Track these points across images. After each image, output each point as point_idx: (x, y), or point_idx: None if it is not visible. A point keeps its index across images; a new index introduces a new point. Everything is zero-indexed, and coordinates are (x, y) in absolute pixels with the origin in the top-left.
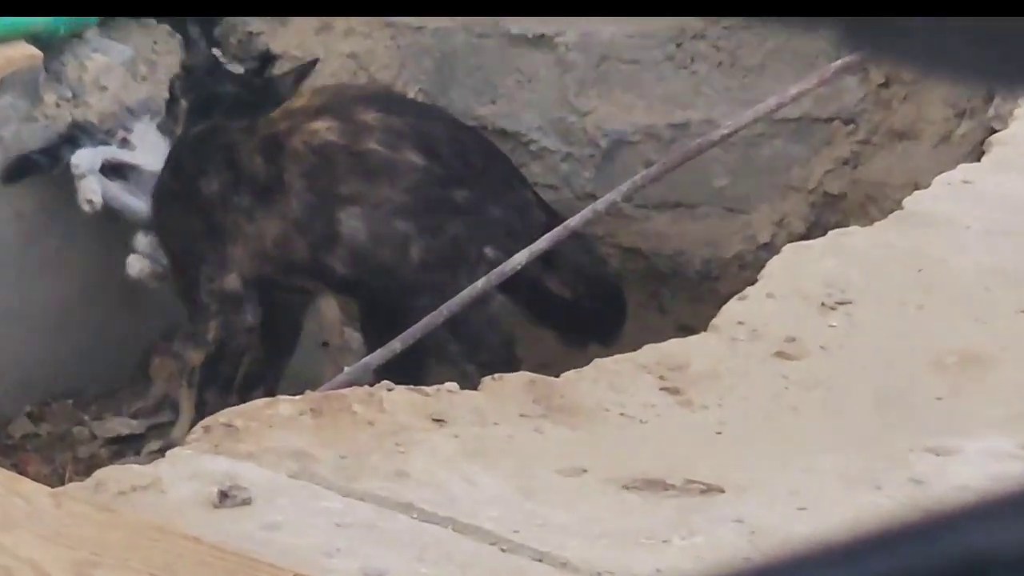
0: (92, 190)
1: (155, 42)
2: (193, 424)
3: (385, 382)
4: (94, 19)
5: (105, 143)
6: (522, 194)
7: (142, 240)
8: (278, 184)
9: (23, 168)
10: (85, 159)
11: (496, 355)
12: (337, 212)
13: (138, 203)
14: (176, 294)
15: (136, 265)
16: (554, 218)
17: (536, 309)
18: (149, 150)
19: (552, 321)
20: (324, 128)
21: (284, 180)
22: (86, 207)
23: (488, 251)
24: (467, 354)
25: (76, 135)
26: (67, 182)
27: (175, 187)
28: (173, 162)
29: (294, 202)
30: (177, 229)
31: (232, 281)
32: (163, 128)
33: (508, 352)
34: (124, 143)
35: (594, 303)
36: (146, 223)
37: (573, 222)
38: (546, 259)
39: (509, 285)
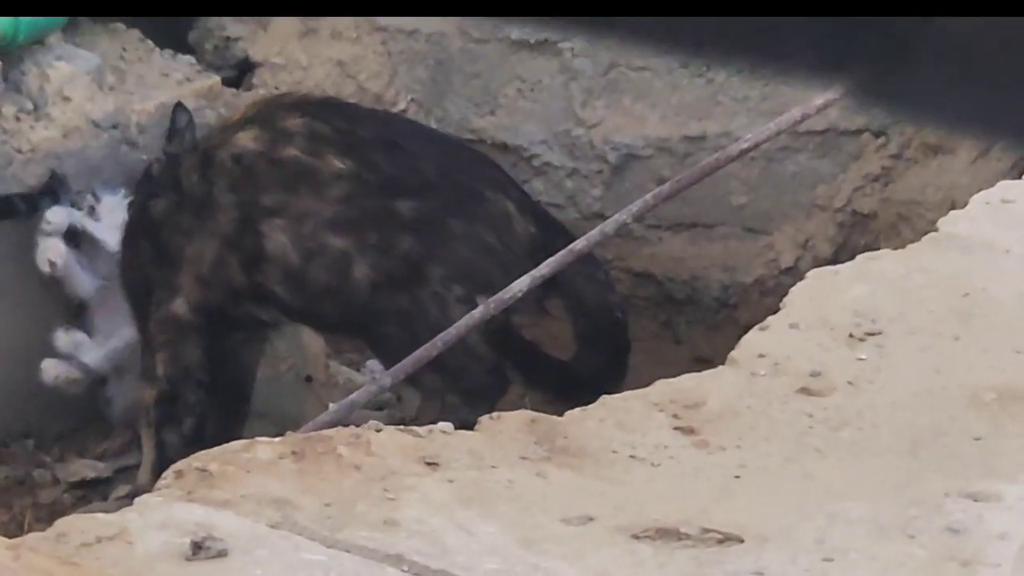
0: (57, 253)
1: (124, 49)
2: (156, 467)
3: (373, 422)
4: (57, 22)
5: (75, 205)
6: (497, 204)
7: (62, 338)
8: (209, 200)
9: (3, 211)
10: (58, 218)
11: (479, 382)
12: (261, 226)
13: (85, 278)
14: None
15: (52, 371)
16: (549, 229)
17: (523, 367)
18: (113, 227)
19: (540, 382)
20: (248, 138)
21: (214, 195)
22: (46, 268)
23: (452, 269)
24: (447, 384)
25: (56, 188)
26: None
27: (132, 217)
28: (136, 196)
29: (222, 218)
30: (132, 261)
31: (179, 306)
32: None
33: (495, 379)
34: (91, 211)
35: (593, 344)
36: (75, 310)
37: (579, 245)
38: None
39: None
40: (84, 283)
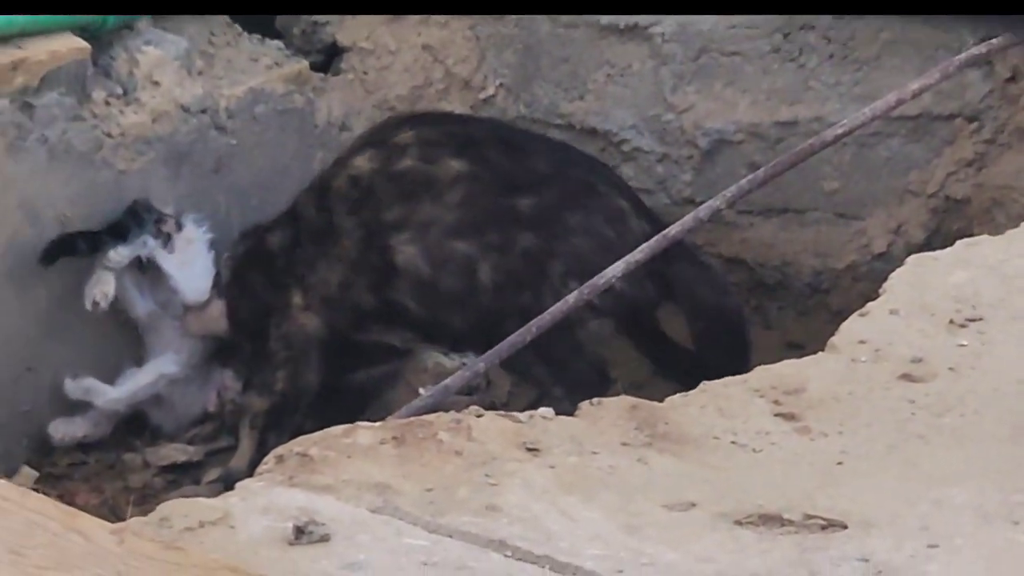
0: (105, 291)
1: (212, 33)
2: (253, 460)
3: (474, 407)
4: None
5: (150, 233)
6: (611, 199)
7: (71, 386)
8: (330, 228)
9: (63, 249)
10: (119, 257)
11: (584, 377)
12: (388, 240)
13: (139, 302)
14: (241, 357)
15: (58, 431)
16: (658, 227)
17: (647, 348)
18: (185, 263)
19: (664, 365)
20: (363, 160)
21: (335, 223)
22: (89, 305)
23: (572, 263)
24: (553, 376)
25: (131, 221)
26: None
27: (244, 252)
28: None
29: (346, 243)
30: (245, 290)
31: (308, 318)
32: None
33: (599, 376)
34: (167, 240)
35: (712, 346)
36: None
37: (673, 230)
38: (664, 288)
39: (621, 317)
40: (137, 306)
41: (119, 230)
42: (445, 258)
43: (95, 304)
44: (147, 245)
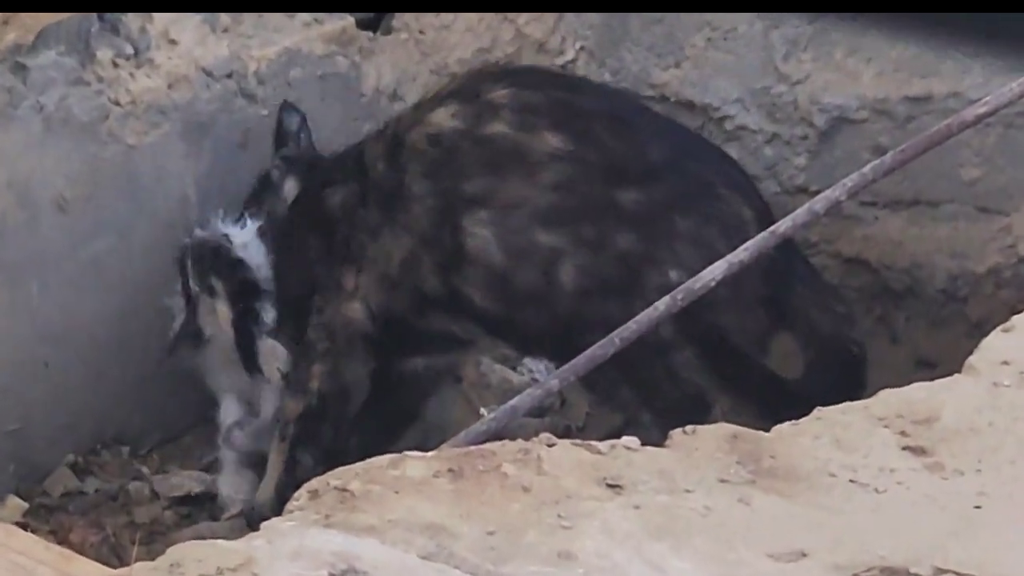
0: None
1: None
2: (281, 486)
3: (545, 434)
4: None
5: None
6: (732, 204)
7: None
8: (401, 190)
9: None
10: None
11: (677, 404)
12: (461, 219)
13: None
14: (285, 343)
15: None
16: (785, 247)
17: (734, 379)
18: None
19: (756, 398)
20: (446, 115)
21: (406, 184)
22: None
23: (673, 275)
24: (641, 400)
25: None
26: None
27: (297, 208)
28: (304, 185)
29: (417, 210)
30: (294, 259)
31: (354, 311)
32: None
33: (694, 403)
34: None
35: (822, 380)
36: None
37: (782, 226)
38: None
39: (700, 340)
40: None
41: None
42: (525, 249)
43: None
44: None
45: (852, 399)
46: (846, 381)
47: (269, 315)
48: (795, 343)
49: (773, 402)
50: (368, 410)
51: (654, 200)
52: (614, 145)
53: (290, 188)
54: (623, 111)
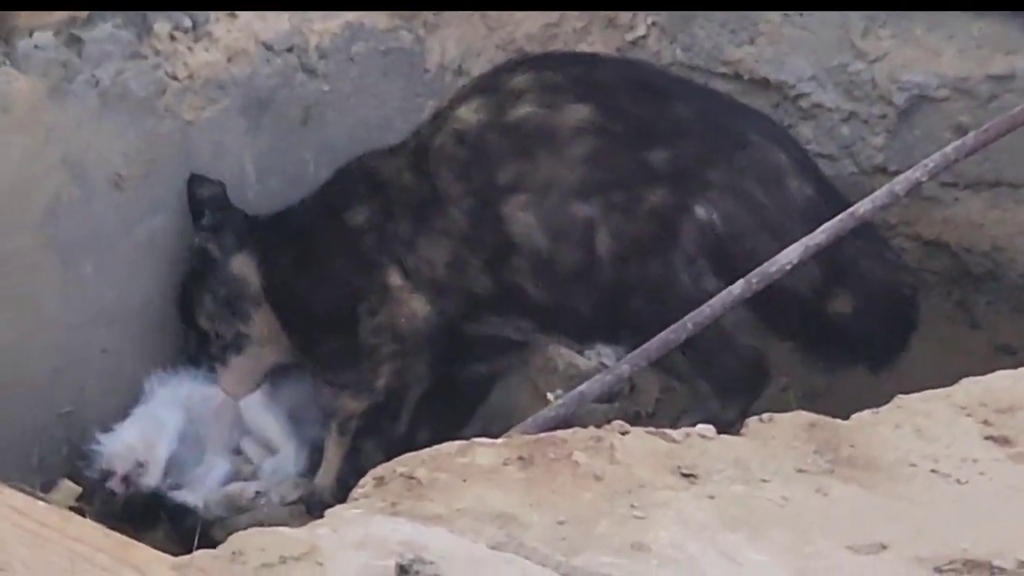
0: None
1: None
2: (342, 473)
3: (617, 422)
4: None
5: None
6: (767, 153)
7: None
8: (434, 196)
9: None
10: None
11: (735, 373)
12: (502, 208)
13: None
14: (318, 357)
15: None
16: (831, 197)
17: (781, 322)
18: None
19: (802, 336)
20: (469, 111)
21: (439, 189)
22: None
23: (701, 213)
24: (698, 370)
25: None
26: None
27: (319, 232)
28: (301, 207)
29: (454, 213)
30: (328, 278)
31: (418, 303)
32: None
33: (752, 372)
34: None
35: (873, 322)
36: None
37: (862, 207)
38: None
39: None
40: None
41: None
42: (564, 226)
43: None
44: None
45: (902, 336)
46: (896, 319)
47: None
48: (848, 295)
49: (823, 342)
50: (433, 403)
51: (683, 156)
52: (639, 110)
53: (240, 264)
54: (644, 77)
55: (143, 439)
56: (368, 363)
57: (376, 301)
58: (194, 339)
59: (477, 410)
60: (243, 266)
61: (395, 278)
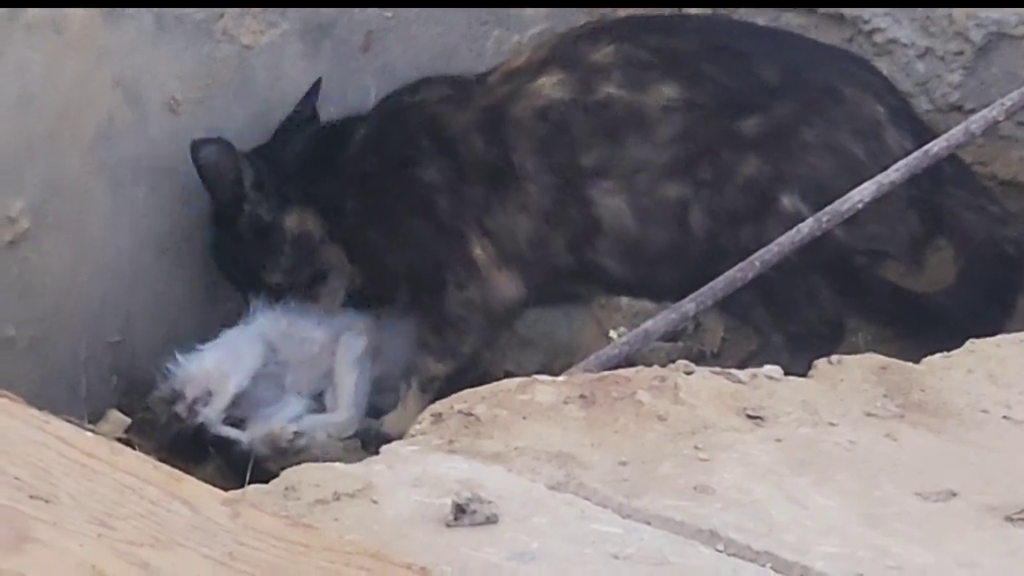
0: None
1: None
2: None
3: (682, 361)
4: None
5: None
6: (862, 106)
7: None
8: (508, 168)
9: None
10: None
11: (812, 327)
12: (587, 191)
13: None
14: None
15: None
16: (926, 141)
17: (865, 299)
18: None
19: (889, 319)
20: (550, 84)
21: (514, 162)
22: None
23: (809, 192)
24: (774, 321)
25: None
26: None
27: (372, 178)
28: (359, 153)
29: (532, 189)
30: (387, 232)
31: (507, 283)
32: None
33: (830, 327)
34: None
35: (968, 291)
36: None
37: (936, 146)
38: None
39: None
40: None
41: None
42: (655, 209)
43: None
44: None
45: (1005, 307)
46: (999, 288)
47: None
48: (950, 249)
49: (919, 323)
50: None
51: (775, 119)
52: (725, 79)
53: (297, 220)
54: (725, 38)
55: (219, 368)
56: (454, 331)
57: (463, 274)
58: (265, 294)
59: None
60: (302, 221)
61: (479, 250)
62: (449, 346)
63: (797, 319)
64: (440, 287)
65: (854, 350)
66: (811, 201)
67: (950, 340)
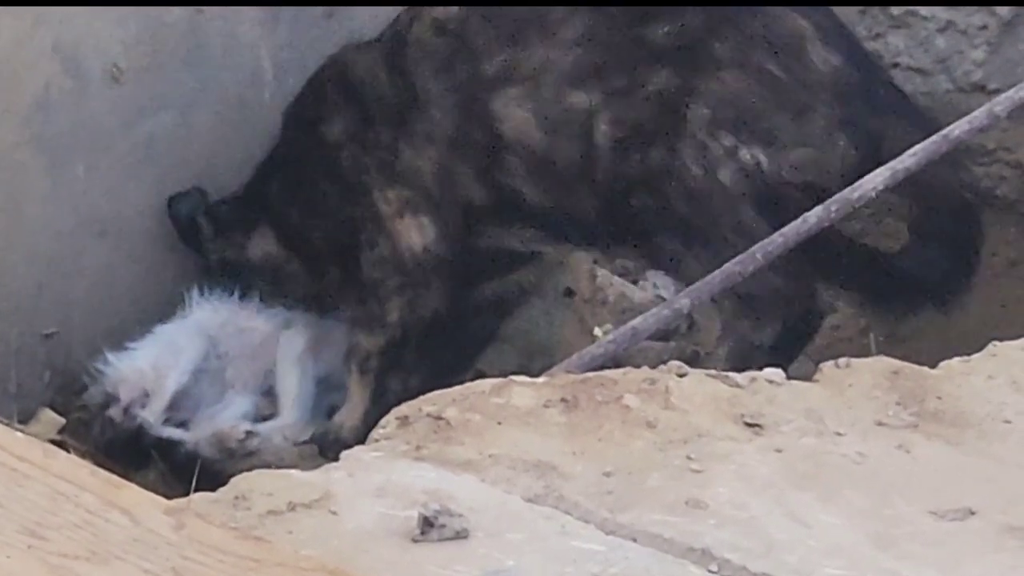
0: None
1: None
2: (367, 415)
3: (674, 363)
4: None
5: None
6: (784, 21)
7: None
8: (412, 97)
9: None
10: None
11: (766, 290)
12: (492, 104)
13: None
14: (327, 292)
15: None
16: (862, 65)
17: (826, 263)
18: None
19: (858, 284)
20: None
21: (416, 88)
22: None
23: (722, 111)
24: (740, 310)
25: None
26: None
27: (290, 154)
28: (284, 123)
29: (436, 114)
30: (310, 202)
31: (414, 230)
32: None
33: (792, 290)
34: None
35: (928, 247)
36: None
37: (957, 129)
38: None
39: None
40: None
41: None
42: (561, 118)
43: None
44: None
45: (965, 253)
46: (959, 242)
47: None
48: (903, 200)
49: (881, 287)
50: (441, 335)
51: (686, 29)
52: None
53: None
54: None
55: (155, 366)
56: (375, 298)
57: (373, 231)
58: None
59: (487, 339)
60: (263, 242)
61: (383, 204)
62: (374, 315)
63: (759, 305)
64: (355, 251)
65: (864, 351)
66: (725, 122)
67: (916, 304)
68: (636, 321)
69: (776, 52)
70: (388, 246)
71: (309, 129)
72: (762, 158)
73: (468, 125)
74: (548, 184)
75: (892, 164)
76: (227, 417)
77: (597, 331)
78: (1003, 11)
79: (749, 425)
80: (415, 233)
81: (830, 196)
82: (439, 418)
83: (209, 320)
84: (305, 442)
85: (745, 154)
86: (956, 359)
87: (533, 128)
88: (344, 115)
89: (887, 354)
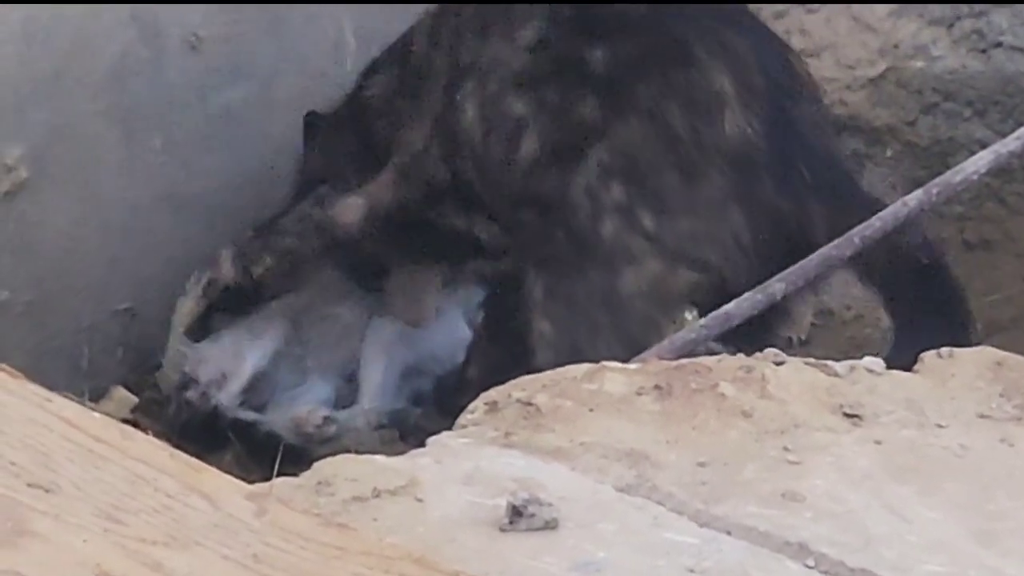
0: None
1: None
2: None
3: (771, 350)
4: None
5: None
6: (709, 75)
7: None
8: (429, 68)
9: None
10: None
11: None
12: (457, 93)
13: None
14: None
15: None
16: (785, 139)
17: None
18: None
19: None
20: None
21: (433, 60)
22: None
23: (615, 159)
24: None
25: None
26: None
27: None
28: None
29: (434, 89)
30: (329, 155)
31: (348, 212)
32: None
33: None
34: None
35: (915, 323)
36: None
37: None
38: None
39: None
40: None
41: None
42: (497, 122)
43: None
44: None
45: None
46: (935, 300)
47: None
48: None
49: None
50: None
51: (619, 60)
52: None
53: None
54: None
55: (235, 348)
56: (259, 242)
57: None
58: None
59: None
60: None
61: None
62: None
63: None
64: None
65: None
66: (615, 171)
67: None
68: (729, 306)
69: (688, 108)
70: (319, 213)
71: (360, 83)
72: (647, 223)
73: (447, 107)
74: (490, 184)
75: (996, 147)
76: (306, 401)
77: (686, 314)
78: None
79: (848, 416)
80: (349, 210)
81: (727, 285)
82: (529, 404)
83: (291, 304)
84: (384, 427)
85: (629, 209)
86: None
87: (477, 125)
88: (384, 77)
89: (989, 344)
